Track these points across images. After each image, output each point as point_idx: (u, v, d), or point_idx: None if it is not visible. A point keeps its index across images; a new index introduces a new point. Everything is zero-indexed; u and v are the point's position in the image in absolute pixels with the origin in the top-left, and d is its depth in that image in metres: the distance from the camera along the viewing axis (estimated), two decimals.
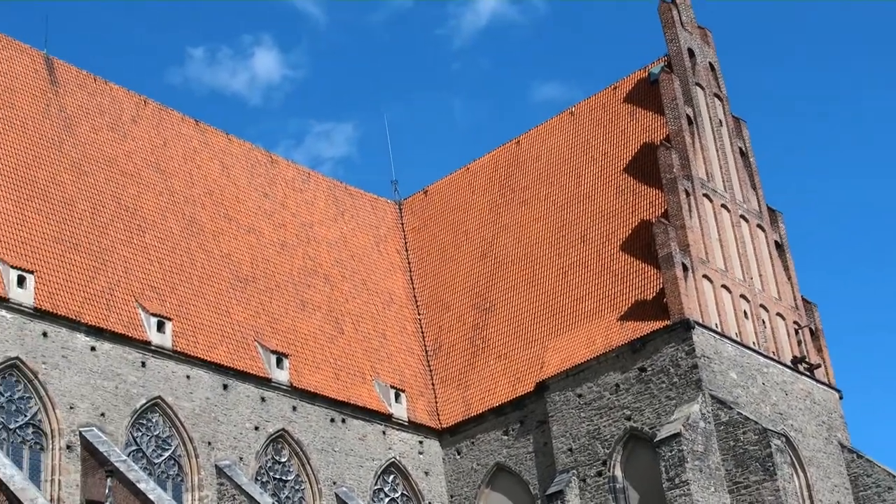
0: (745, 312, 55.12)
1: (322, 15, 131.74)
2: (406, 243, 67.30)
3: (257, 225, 60.05)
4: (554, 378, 54.59)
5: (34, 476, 44.32)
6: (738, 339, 53.72)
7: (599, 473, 52.12)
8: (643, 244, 55.09)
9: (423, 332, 62.77)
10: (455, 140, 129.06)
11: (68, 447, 45.78)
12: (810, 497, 52.68)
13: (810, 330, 58.33)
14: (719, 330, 52.87)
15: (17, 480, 40.62)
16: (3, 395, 45.27)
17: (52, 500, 43.64)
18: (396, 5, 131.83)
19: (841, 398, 57.98)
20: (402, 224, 68.52)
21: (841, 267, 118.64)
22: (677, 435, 48.68)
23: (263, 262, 58.34)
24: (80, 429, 46.22)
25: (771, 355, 55.09)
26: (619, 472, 51.86)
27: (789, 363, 55.90)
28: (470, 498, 56.72)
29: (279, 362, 53.86)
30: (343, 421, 55.44)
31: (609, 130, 61.60)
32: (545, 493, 53.28)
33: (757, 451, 49.23)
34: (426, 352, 61.93)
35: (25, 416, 45.64)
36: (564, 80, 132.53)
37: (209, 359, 51.38)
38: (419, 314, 63.65)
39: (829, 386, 57.72)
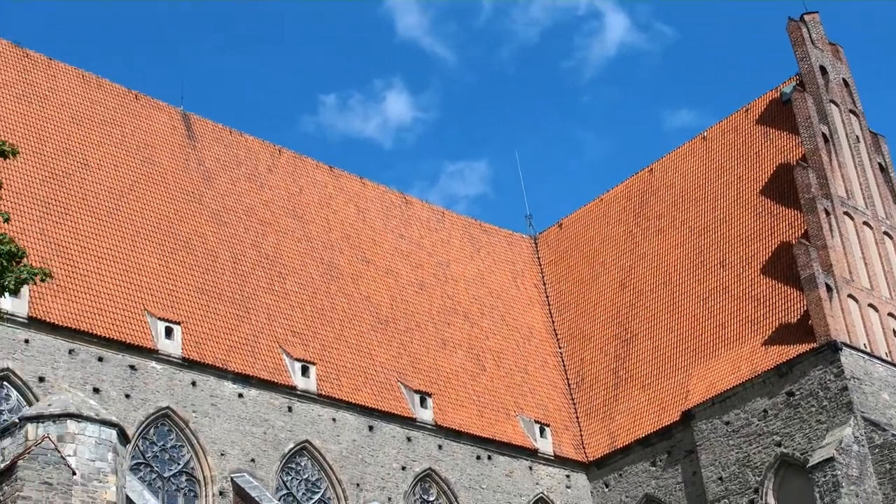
0: (893, 331, 54.28)
1: (450, 55, 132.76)
2: (543, 277, 67.36)
3: (395, 266, 60.52)
4: (700, 406, 54.10)
5: None
6: (889, 359, 52.82)
7: (752, 502, 51.42)
8: (784, 266, 54.45)
9: (564, 365, 62.62)
10: (588, 172, 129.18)
11: (221, 493, 46.40)
12: None
13: None
14: (868, 350, 52.00)
15: None
16: (156, 445, 46.10)
17: None
18: (523, 41, 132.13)
19: None
20: (539, 258, 68.58)
21: None
22: (830, 460, 47.98)
23: (402, 302, 58.77)
24: (232, 475, 46.80)
25: None
26: (771, 500, 51.12)
27: None
28: None
29: (423, 401, 54.05)
30: (489, 458, 55.42)
31: (743, 153, 61.16)
32: None
33: None
34: (569, 385, 61.70)
35: (179, 464, 46.37)
36: (695, 105, 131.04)
37: (354, 401, 51.75)
38: (560, 347, 63.53)
39: None
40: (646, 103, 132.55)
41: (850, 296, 52.88)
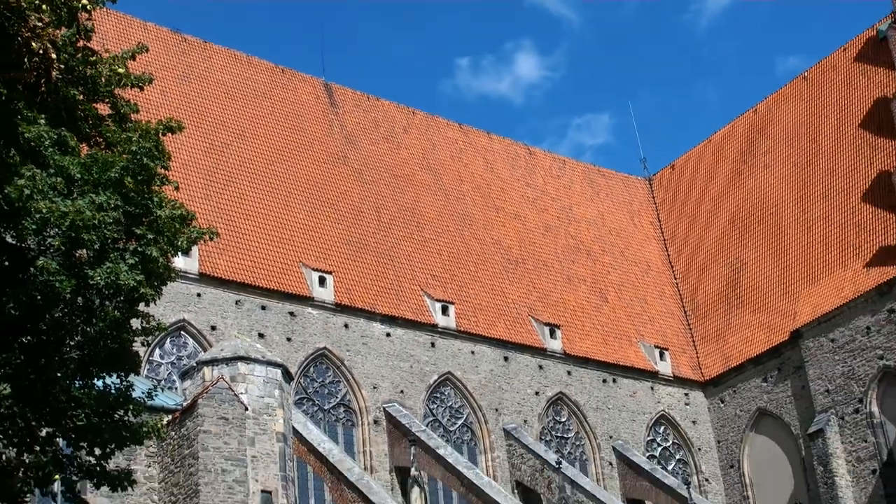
0: None
1: (576, 16, 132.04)
2: (658, 215, 67.33)
3: (522, 212, 61.00)
4: (807, 326, 54.18)
5: (348, 449, 46.38)
6: None
7: (857, 411, 51.65)
8: (882, 194, 54.27)
9: (680, 295, 62.90)
10: (702, 117, 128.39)
11: (375, 422, 47.83)
12: None
13: None
14: None
15: (336, 454, 42.53)
16: (316, 381, 47.64)
17: (365, 468, 45.52)
18: None
19: None
20: (654, 198, 68.50)
21: None
22: None
23: (530, 244, 59.29)
24: (384, 405, 48.18)
25: None
26: (875, 409, 51.24)
27: None
28: (736, 442, 56.90)
29: (552, 333, 54.78)
30: (614, 381, 56.12)
31: (842, 90, 60.55)
32: (807, 433, 53.08)
33: None
34: (685, 312, 61.99)
35: (336, 397, 47.92)
36: (803, 49, 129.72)
37: (490, 335, 52.63)
38: (675, 278, 63.71)
39: None
40: (758, 50, 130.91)
41: None
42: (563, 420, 54.22)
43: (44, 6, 13.21)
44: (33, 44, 13.41)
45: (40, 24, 13.19)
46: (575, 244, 61.60)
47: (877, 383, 51.42)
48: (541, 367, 53.88)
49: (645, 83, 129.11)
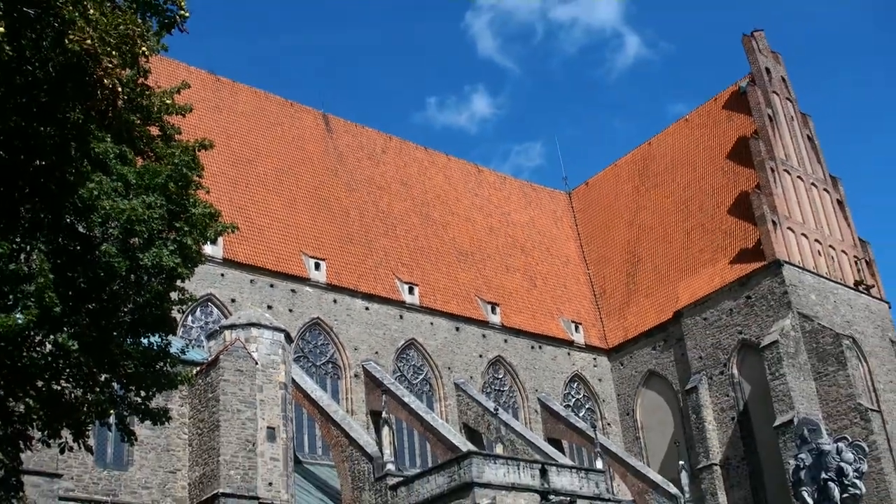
0: (818, 252, 54.41)
1: (517, 68, 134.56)
2: (576, 221, 67.17)
3: (472, 216, 60.87)
4: (686, 307, 54.70)
5: (334, 396, 46.39)
6: (815, 271, 53.16)
7: (721, 373, 52.19)
8: (744, 209, 54.70)
9: (591, 282, 62.98)
10: (610, 146, 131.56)
11: (355, 376, 47.86)
12: (871, 380, 52.02)
13: (866, 261, 57.22)
14: (801, 265, 52.32)
15: (324, 399, 42.72)
16: (310, 343, 47.60)
17: (347, 411, 45.62)
18: (565, 51, 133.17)
19: (890, 308, 56.81)
20: (573, 207, 68.34)
21: (888, 213, 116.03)
22: (776, 342, 48.65)
23: (478, 241, 59.22)
24: (363, 363, 48.21)
25: (839, 281, 54.37)
26: (735, 371, 51.84)
27: (852, 286, 55.10)
28: (631, 395, 57.23)
29: (493, 309, 54.94)
30: (540, 347, 56.28)
31: (713, 130, 60.98)
32: (684, 389, 53.59)
33: (832, 350, 48.92)
34: (595, 295, 62.15)
35: (326, 356, 47.91)
36: (686, 98, 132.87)
37: (445, 310, 52.75)
38: (588, 269, 63.77)
39: (882, 300, 56.64)
40: (653, 97, 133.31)
41: (789, 228, 53.18)
42: (500, 377, 54.33)
43: (113, 52, 13.28)
44: (105, 80, 13.48)
45: (111, 65, 13.27)
46: (512, 242, 61.60)
47: (737, 352, 52.03)
48: (484, 335, 53.99)
49: (568, 119, 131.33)
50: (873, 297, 56.15)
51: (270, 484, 33.11)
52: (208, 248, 42.53)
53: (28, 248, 15.21)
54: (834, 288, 53.64)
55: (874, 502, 45.54)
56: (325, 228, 51.61)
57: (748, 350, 51.35)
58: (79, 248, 15.67)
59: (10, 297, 14.87)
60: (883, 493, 46.22)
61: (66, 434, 17.38)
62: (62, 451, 17.87)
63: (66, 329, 15.58)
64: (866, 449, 22.40)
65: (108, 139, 15.58)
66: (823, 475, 21.51)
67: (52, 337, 15.48)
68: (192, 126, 45.35)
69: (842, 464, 21.32)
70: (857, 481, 21.36)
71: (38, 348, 15.84)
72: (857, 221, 60.72)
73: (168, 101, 17.45)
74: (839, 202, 58.62)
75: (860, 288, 55.42)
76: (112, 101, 14.30)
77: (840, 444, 21.67)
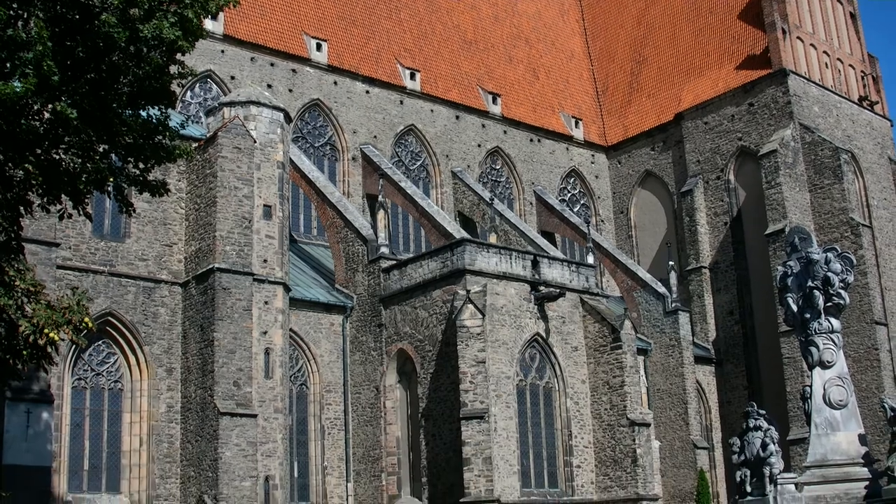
0: (825, 64, 53.76)
1: None
2: (583, 15, 65.76)
3: (477, 3, 59.47)
4: (688, 110, 54.50)
5: (331, 178, 46.71)
6: (821, 83, 52.67)
7: (718, 178, 52.54)
8: (754, 14, 53.81)
9: (594, 78, 62.40)
10: None
11: (353, 159, 47.98)
12: (866, 196, 52.42)
13: (872, 77, 56.61)
14: (807, 76, 51.85)
15: (322, 180, 42.82)
16: (309, 124, 47.45)
17: (343, 193, 46.01)
18: None
19: (892, 126, 56.69)
20: (580, 1, 66.51)
21: None
22: (775, 151, 48.75)
23: (482, 30, 58.21)
24: (361, 146, 48.21)
25: (843, 95, 53.88)
26: (731, 177, 52.18)
27: (856, 100, 54.71)
28: (627, 194, 57.61)
29: (494, 100, 54.60)
30: (539, 141, 56.27)
31: None
32: (680, 192, 54.04)
33: (830, 163, 49.11)
34: (597, 92, 61.72)
35: (324, 138, 47.85)
36: None
37: (446, 98, 52.36)
38: (592, 65, 63.05)
39: (884, 117, 56.39)
40: None
41: (798, 38, 52.27)
42: (498, 167, 54.54)
43: None
44: None
45: None
46: (516, 32, 60.56)
47: (735, 158, 52.19)
48: (483, 125, 53.85)
49: None
50: (876, 113, 55.84)
51: (265, 261, 33.74)
52: (209, 23, 41.96)
53: (26, 14, 14.94)
54: (838, 101, 53.21)
55: (856, 315, 46.82)
56: (329, 9, 50.58)
57: (746, 157, 51.46)
58: (78, 17, 15.39)
59: (8, 64, 14.73)
60: (866, 307, 47.39)
61: (66, 201, 17.58)
62: (61, 218, 18.14)
63: (64, 98, 15.51)
64: (854, 260, 22.72)
65: None
66: (810, 283, 21.87)
67: (51, 106, 15.43)
68: None
69: (829, 273, 21.65)
70: (842, 291, 21.74)
71: (37, 116, 15.82)
72: (868, 37, 59.50)
73: None
74: (851, 15, 57.39)
75: (864, 104, 55.00)
76: None
77: (829, 255, 21.93)
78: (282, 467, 32.67)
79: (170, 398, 32.75)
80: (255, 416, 31.74)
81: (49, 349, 17.63)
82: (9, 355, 17.55)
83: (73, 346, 29.62)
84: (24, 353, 17.39)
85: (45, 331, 17.12)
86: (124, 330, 32.35)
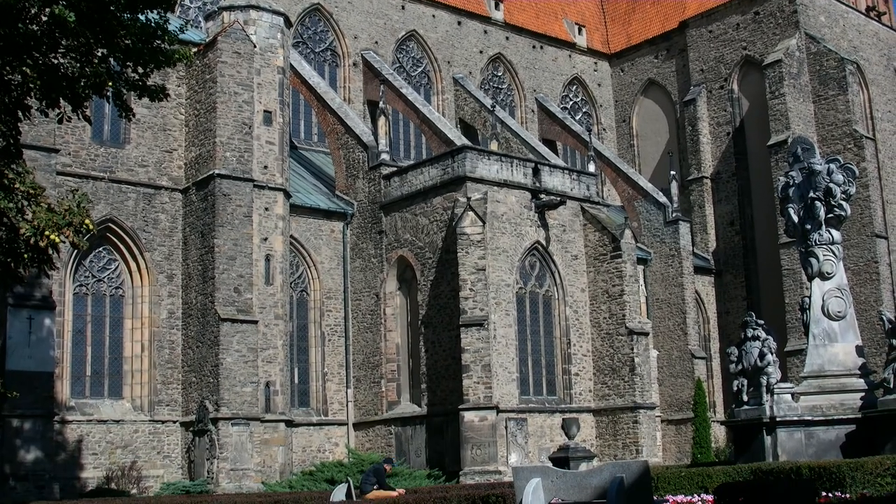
0: None
1: None
2: None
3: None
4: (693, 18, 53.72)
5: (332, 84, 46.25)
6: None
7: (721, 87, 52.09)
8: None
9: None
10: None
11: (354, 64, 47.50)
12: (870, 108, 51.93)
13: None
14: None
15: (322, 86, 42.53)
16: (310, 29, 46.80)
17: (344, 99, 45.58)
18: None
19: None
20: None
21: None
22: (779, 61, 48.18)
23: None
24: (362, 52, 47.70)
25: (850, 5, 52.87)
26: (735, 87, 51.69)
27: (864, 10, 53.76)
28: (629, 103, 57.16)
29: (497, 5, 53.79)
30: (541, 48, 55.65)
31: None
32: (682, 101, 53.63)
33: (835, 74, 48.57)
34: None
35: (325, 43, 47.29)
36: None
37: (448, 3, 51.55)
38: None
39: (892, 28, 55.31)
40: None
41: None
42: (500, 74, 54.06)
43: None
44: None
45: None
46: None
47: (739, 68, 51.66)
48: (485, 31, 53.22)
49: None
50: (884, 24, 54.94)
51: (266, 167, 33.70)
52: None
53: None
54: (845, 11, 52.36)
55: (857, 227, 46.85)
56: None
57: (750, 67, 50.93)
58: None
59: None
60: (867, 220, 47.38)
61: (64, 105, 17.44)
62: (60, 122, 18.02)
63: (62, 1, 15.25)
64: (856, 172, 22.66)
65: None
66: (811, 194, 21.85)
67: (48, 9, 15.19)
68: None
69: (831, 184, 21.61)
70: (843, 203, 21.74)
71: (34, 20, 15.58)
72: None
73: None
74: None
75: (872, 14, 54.12)
76: None
77: (831, 165, 21.88)
78: (282, 373, 33.05)
79: (171, 304, 32.98)
80: (255, 322, 32.01)
81: (50, 251, 17.66)
82: (10, 259, 17.59)
83: (74, 252, 29.69)
84: (25, 255, 17.42)
85: (46, 233, 17.13)
86: (125, 236, 32.44)
